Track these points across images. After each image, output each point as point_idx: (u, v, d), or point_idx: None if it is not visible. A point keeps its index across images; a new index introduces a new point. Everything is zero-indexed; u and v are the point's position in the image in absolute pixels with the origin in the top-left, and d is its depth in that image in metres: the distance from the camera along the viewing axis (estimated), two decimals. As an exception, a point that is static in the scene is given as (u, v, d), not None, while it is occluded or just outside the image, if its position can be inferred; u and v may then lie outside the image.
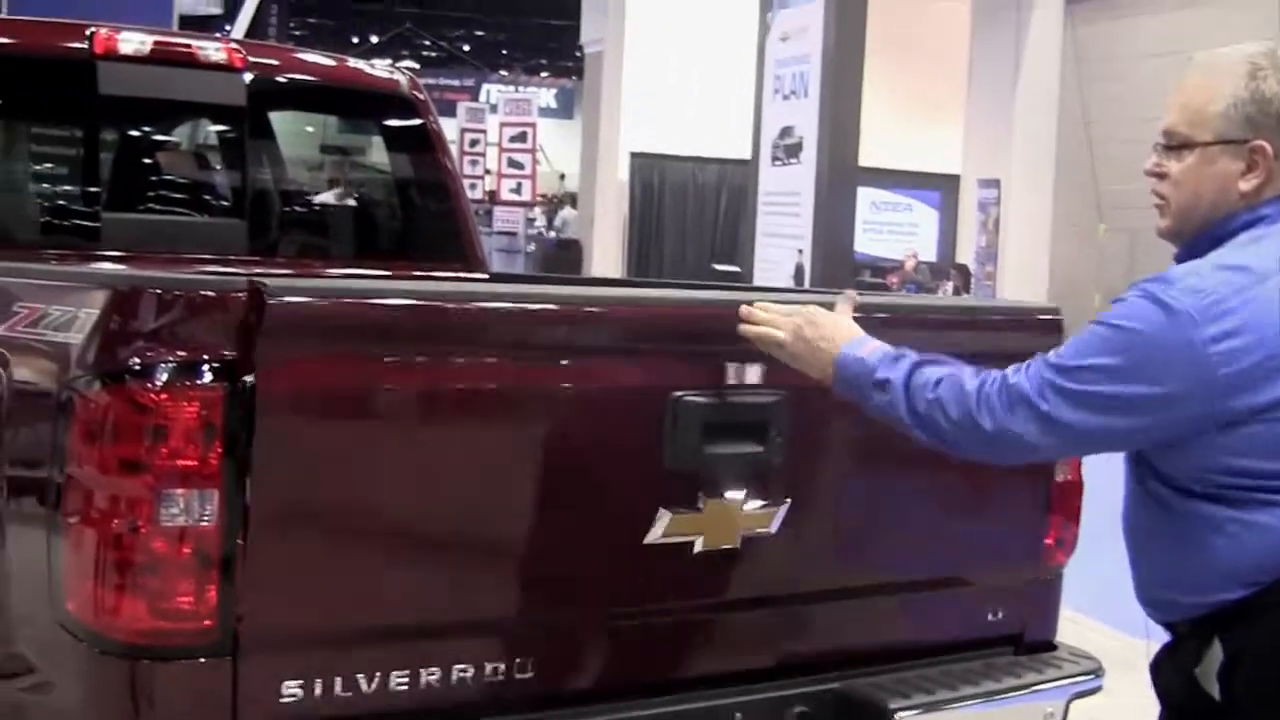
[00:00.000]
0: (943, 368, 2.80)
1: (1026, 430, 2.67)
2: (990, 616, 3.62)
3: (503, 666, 2.90)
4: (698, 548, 3.06)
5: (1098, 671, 3.58)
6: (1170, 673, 2.77)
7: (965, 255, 19.41)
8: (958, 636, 3.58)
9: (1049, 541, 3.65)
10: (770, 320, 3.00)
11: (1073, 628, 3.81)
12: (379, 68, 5.90)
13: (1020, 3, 17.79)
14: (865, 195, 18.26)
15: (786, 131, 12.21)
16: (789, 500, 3.17)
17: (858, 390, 2.88)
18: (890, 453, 3.44)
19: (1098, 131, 19.12)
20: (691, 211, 23.22)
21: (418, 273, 5.17)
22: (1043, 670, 3.55)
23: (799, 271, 11.70)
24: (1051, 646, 3.69)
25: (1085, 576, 3.78)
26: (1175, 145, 2.77)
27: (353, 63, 5.76)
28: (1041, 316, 3.75)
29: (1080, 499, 3.69)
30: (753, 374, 3.18)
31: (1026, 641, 3.66)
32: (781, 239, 12.17)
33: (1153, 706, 3.01)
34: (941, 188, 21.28)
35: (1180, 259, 2.77)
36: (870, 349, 2.89)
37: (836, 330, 2.95)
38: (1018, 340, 3.70)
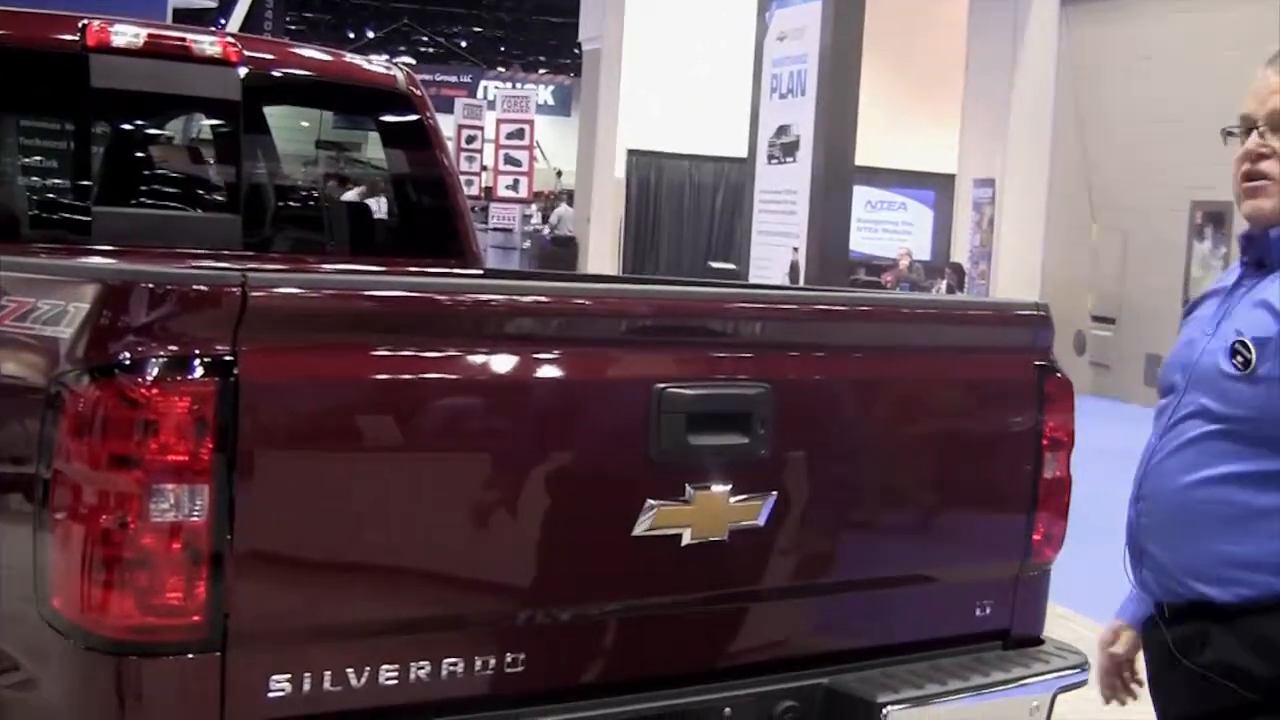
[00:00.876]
0: None
1: None
2: (978, 611, 3.63)
3: (492, 660, 2.90)
4: (686, 540, 3.06)
5: (1083, 666, 3.59)
6: (1233, 646, 2.75)
7: (959, 254, 19.42)
8: (946, 631, 3.59)
9: (1037, 537, 3.66)
10: None
11: (1059, 622, 3.82)
12: (376, 63, 5.90)
13: (1017, 4, 17.80)
14: (860, 194, 18.30)
15: (783, 130, 12.22)
16: (775, 493, 3.18)
17: None
18: (878, 447, 3.46)
19: (1091, 133, 19.15)
20: (688, 209, 23.24)
21: (413, 269, 5.18)
22: (1029, 665, 3.56)
23: (794, 269, 11.72)
24: (1038, 641, 3.70)
25: (1071, 571, 3.79)
26: None
27: (349, 58, 5.76)
28: (1030, 313, 3.76)
29: (1069, 495, 3.70)
30: (738, 366, 3.20)
31: (1014, 636, 3.67)
32: (777, 237, 12.18)
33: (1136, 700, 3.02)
34: (936, 187, 21.33)
35: (1266, 254, 2.80)
36: None
37: None
38: (1006, 336, 3.75)
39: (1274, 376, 2.70)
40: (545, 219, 29.90)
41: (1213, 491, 2.78)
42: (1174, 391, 2.93)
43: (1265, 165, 2.82)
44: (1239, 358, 2.75)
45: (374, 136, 5.92)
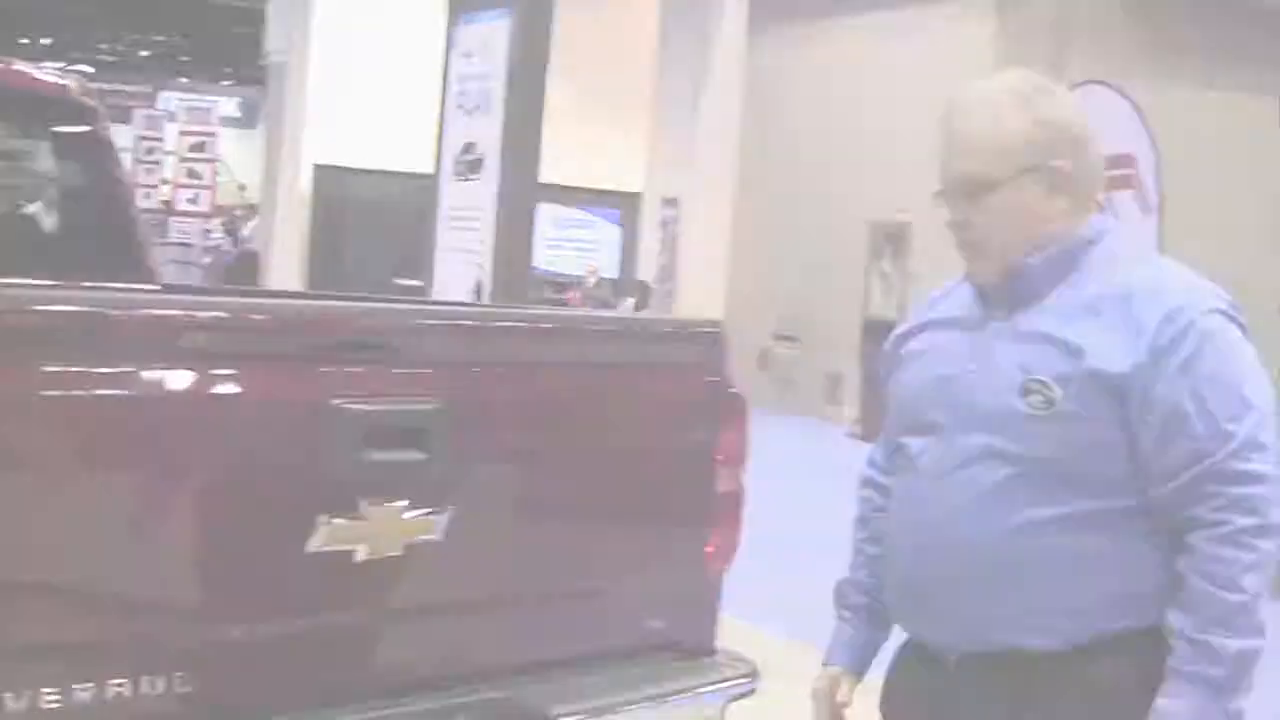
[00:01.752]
0: (1183, 596, 2.61)
1: None
2: (653, 623, 3.70)
3: (160, 682, 2.84)
4: (360, 556, 3.04)
5: (753, 675, 3.69)
6: (1061, 697, 2.66)
7: (646, 272, 19.69)
8: (622, 643, 3.65)
9: (709, 550, 3.75)
10: None
11: (731, 632, 3.91)
12: (48, 71, 5.71)
13: (706, 27, 18.12)
14: (548, 212, 18.41)
15: (469, 147, 12.20)
16: (452, 508, 3.18)
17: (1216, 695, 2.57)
18: (553, 463, 3.51)
19: (776, 154, 19.65)
20: (375, 225, 23.01)
21: (85, 283, 5.03)
22: (703, 674, 3.64)
23: (479, 287, 11.73)
24: (711, 651, 3.79)
25: (748, 580, 3.90)
26: (975, 190, 2.73)
27: (18, 65, 5.57)
28: (703, 330, 3.86)
29: (741, 508, 3.80)
30: (415, 382, 3.20)
31: (687, 647, 3.74)
32: (463, 254, 12.14)
33: (805, 707, 3.09)
34: (623, 206, 21.61)
35: (1027, 287, 2.74)
36: (1170, 690, 2.60)
37: None
38: (680, 352, 3.83)
39: (1076, 413, 2.63)
40: (227, 231, 29.31)
41: (1026, 539, 2.65)
42: (935, 431, 2.79)
43: (967, 235, 2.78)
44: (1037, 397, 2.64)
45: (45, 146, 5.72)
